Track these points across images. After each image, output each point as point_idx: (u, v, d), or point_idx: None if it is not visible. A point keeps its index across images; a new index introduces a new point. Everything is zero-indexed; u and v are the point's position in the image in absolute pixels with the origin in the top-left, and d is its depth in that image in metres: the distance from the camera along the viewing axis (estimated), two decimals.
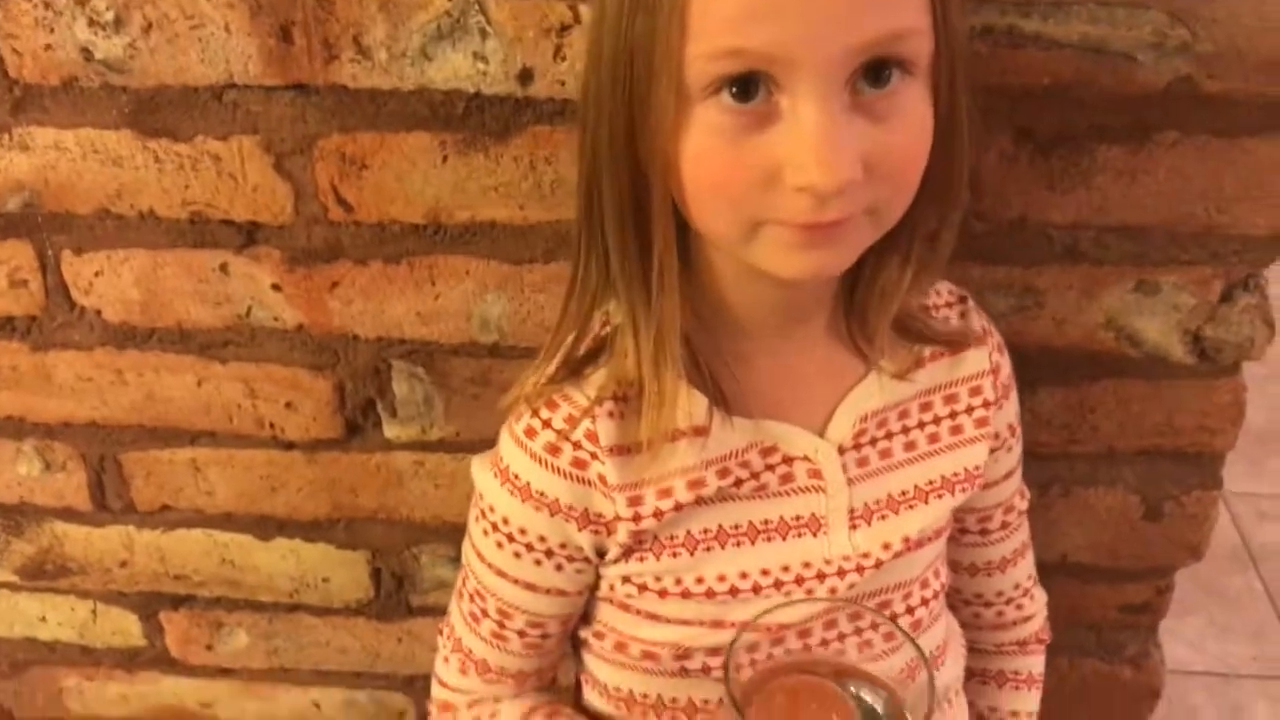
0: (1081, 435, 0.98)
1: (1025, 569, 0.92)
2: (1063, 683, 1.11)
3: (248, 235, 0.95)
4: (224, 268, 0.96)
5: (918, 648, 0.65)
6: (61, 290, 0.99)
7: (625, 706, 0.82)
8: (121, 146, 0.92)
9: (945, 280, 0.82)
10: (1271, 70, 0.81)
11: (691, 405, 0.71)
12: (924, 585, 0.81)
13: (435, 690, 0.88)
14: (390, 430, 1.03)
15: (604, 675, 0.83)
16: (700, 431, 0.72)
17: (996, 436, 0.82)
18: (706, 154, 0.61)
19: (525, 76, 0.85)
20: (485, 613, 0.80)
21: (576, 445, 0.73)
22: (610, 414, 0.72)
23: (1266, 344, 0.93)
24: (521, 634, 0.80)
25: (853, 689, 0.67)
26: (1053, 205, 0.88)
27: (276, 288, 0.97)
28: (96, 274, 0.98)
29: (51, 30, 0.87)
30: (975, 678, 0.95)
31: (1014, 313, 0.92)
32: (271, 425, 1.04)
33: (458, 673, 0.85)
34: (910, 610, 0.80)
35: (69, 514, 1.12)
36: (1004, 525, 0.88)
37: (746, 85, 0.59)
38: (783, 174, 0.59)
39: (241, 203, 0.93)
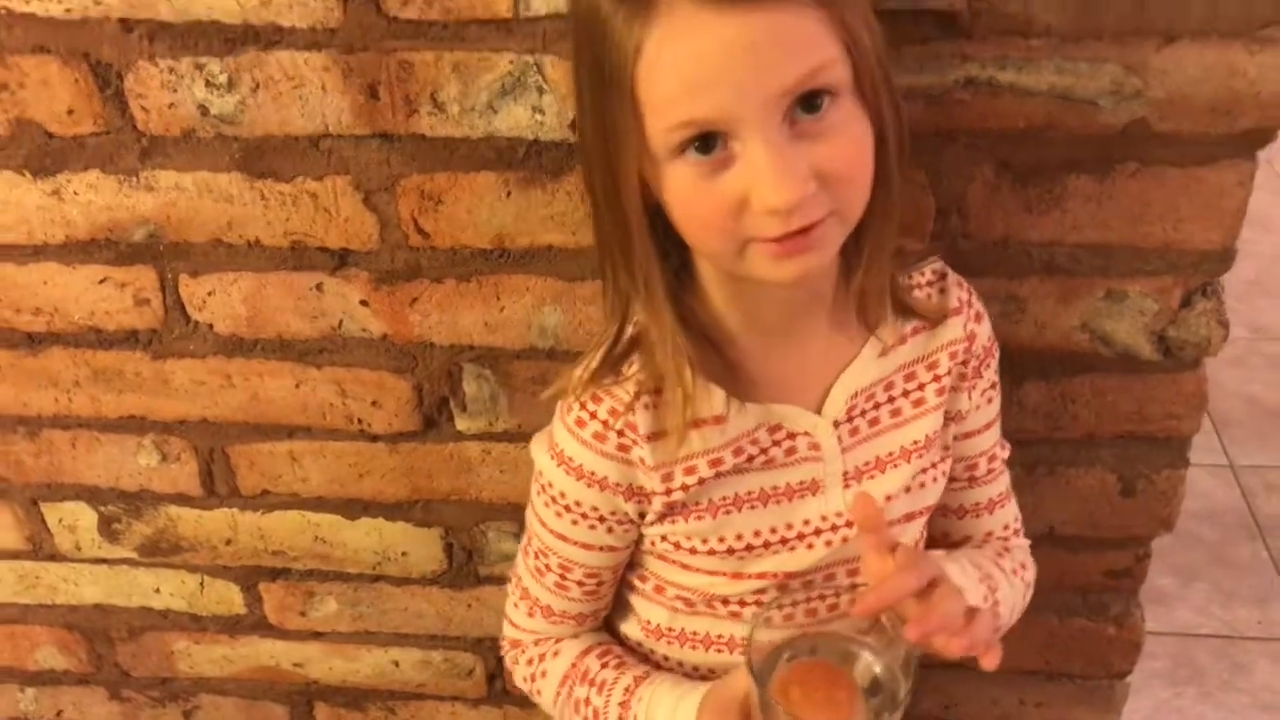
0: (1063, 423, 1.12)
1: (1011, 511, 1.04)
2: (1053, 637, 1.25)
3: (340, 259, 1.11)
4: (319, 287, 1.12)
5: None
6: (179, 307, 1.16)
7: (654, 637, 0.99)
8: (232, 186, 1.08)
9: (935, 259, 0.94)
10: (1213, 113, 0.94)
11: (711, 399, 0.86)
12: None
13: (506, 629, 1.04)
14: (462, 423, 1.19)
15: (641, 610, 0.99)
16: (719, 420, 0.87)
17: (984, 393, 0.95)
18: (686, 199, 0.75)
19: (575, 126, 1.00)
20: (548, 568, 0.96)
21: (620, 434, 0.87)
22: (646, 406, 0.86)
23: (1222, 342, 1.06)
24: (580, 584, 0.96)
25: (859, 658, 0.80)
26: (1031, 226, 1.02)
27: (364, 303, 1.12)
28: (209, 294, 1.14)
29: (174, 91, 1.03)
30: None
31: (1000, 318, 1.05)
32: (359, 420, 1.20)
33: (526, 615, 1.01)
34: None
35: (182, 499, 1.29)
36: (989, 471, 1.00)
37: (706, 141, 0.72)
38: (750, 201, 0.72)
39: (335, 232, 1.09)
